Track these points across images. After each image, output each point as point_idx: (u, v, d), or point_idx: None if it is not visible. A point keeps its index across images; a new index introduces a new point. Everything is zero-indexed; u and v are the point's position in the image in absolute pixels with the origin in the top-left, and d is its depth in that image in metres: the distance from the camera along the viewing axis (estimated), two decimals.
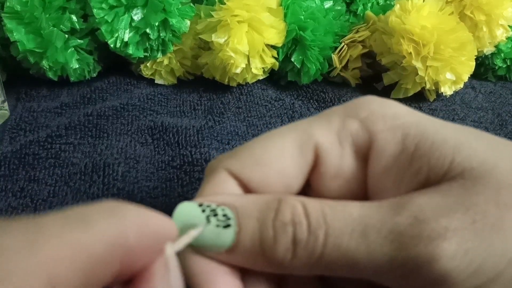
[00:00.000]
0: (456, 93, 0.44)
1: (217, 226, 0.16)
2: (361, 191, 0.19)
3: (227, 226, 0.16)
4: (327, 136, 0.18)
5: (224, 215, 0.16)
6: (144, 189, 0.30)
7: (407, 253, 0.15)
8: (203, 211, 0.16)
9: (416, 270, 0.15)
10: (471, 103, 0.46)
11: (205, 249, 0.16)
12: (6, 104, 0.36)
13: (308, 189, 0.19)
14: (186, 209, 0.16)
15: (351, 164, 0.18)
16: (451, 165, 0.16)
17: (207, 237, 0.16)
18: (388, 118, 0.18)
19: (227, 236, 0.16)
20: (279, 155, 0.18)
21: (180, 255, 0.16)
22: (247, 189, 0.18)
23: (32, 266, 0.11)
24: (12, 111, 0.37)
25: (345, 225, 0.15)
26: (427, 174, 0.17)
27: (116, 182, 0.31)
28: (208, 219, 0.16)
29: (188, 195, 0.30)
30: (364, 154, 0.18)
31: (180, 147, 0.34)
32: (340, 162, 0.18)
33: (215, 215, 0.16)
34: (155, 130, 0.36)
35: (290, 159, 0.18)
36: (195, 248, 0.16)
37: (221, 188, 0.18)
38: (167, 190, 0.30)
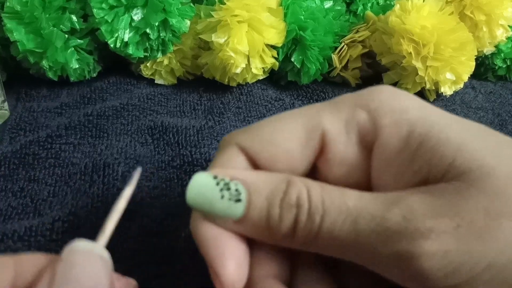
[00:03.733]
0: (456, 93, 0.44)
1: (229, 199, 0.17)
2: (365, 179, 0.19)
3: (238, 200, 0.17)
4: (335, 124, 0.19)
5: (236, 190, 0.17)
6: (144, 189, 0.30)
7: (391, 247, 0.16)
8: (217, 184, 0.18)
9: (398, 263, 0.16)
10: (471, 103, 0.46)
11: (215, 217, 0.18)
12: (6, 104, 0.37)
13: (316, 171, 0.20)
14: (202, 180, 0.18)
15: (356, 154, 0.19)
16: (450, 167, 0.16)
17: (219, 208, 0.17)
18: (396, 112, 0.18)
19: (237, 210, 0.17)
20: (287, 137, 0.19)
21: (192, 222, 0.18)
22: (255, 164, 0.19)
23: None
24: (12, 111, 0.37)
25: (339, 213, 0.16)
26: (427, 174, 0.17)
27: (116, 182, 0.31)
28: (221, 192, 0.17)
29: None
30: (369, 145, 0.19)
31: (180, 147, 0.34)
32: (345, 150, 0.19)
33: (228, 189, 0.17)
34: (155, 130, 0.36)
35: (297, 143, 0.19)
36: (206, 216, 0.18)
37: (231, 162, 0.19)
38: (167, 190, 0.30)
